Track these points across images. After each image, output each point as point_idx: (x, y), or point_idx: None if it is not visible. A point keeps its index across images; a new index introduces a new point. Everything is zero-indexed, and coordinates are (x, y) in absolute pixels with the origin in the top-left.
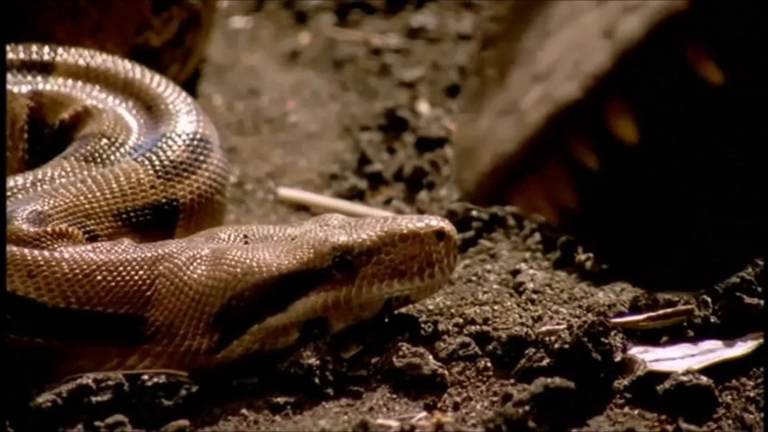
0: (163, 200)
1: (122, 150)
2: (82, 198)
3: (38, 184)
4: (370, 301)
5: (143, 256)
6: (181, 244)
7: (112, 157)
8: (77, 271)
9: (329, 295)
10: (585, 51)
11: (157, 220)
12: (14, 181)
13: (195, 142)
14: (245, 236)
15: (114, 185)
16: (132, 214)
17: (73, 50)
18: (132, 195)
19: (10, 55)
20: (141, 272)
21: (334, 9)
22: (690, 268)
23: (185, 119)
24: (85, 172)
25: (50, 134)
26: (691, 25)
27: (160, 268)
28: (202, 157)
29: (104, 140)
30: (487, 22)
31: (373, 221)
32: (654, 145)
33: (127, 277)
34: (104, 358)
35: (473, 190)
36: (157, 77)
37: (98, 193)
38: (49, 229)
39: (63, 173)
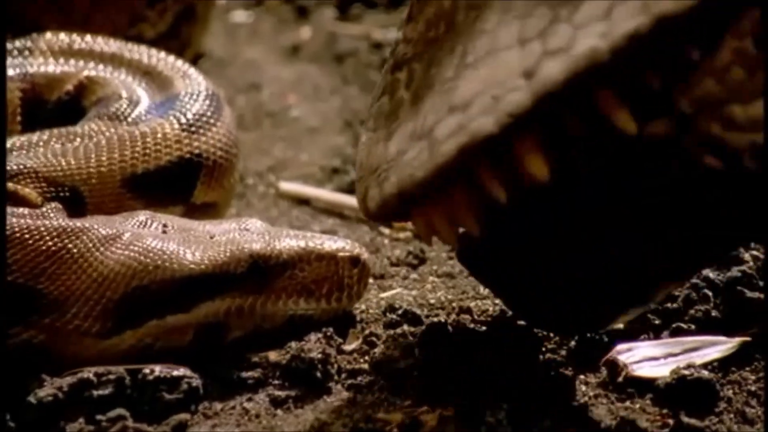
0: (188, 155)
1: (141, 109)
2: (92, 156)
3: (53, 141)
4: (275, 315)
5: (54, 225)
6: (100, 221)
7: (134, 115)
8: None
9: (235, 303)
10: (504, 88)
11: (177, 179)
12: (30, 137)
13: (210, 98)
14: (164, 225)
15: (138, 142)
16: (144, 176)
17: (49, 34)
18: (156, 154)
19: None
20: (41, 242)
21: (335, 3)
22: (570, 315)
23: (194, 78)
24: (112, 130)
25: (54, 108)
26: (610, 75)
27: (68, 241)
28: (218, 112)
29: (123, 100)
30: (398, 43)
31: (292, 234)
32: (564, 187)
33: (28, 245)
34: (9, 328)
35: (376, 208)
36: (143, 48)
37: (116, 154)
38: None
39: (91, 132)
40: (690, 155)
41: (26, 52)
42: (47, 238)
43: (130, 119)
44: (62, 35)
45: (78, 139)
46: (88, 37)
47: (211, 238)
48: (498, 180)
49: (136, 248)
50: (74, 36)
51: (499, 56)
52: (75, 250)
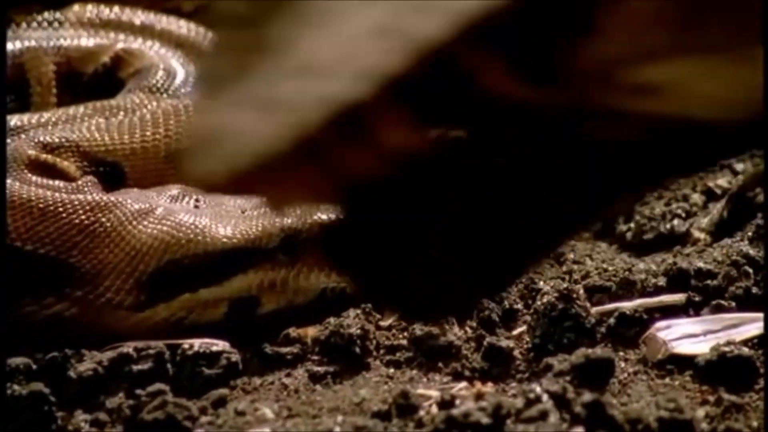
0: None
1: (180, 81)
2: (136, 131)
3: (96, 115)
4: (306, 288)
5: (87, 199)
6: (133, 195)
7: (174, 87)
8: (16, 204)
9: (267, 276)
10: (368, 50)
11: None
12: (74, 110)
13: None
14: (196, 200)
15: (182, 116)
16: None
17: (76, 6)
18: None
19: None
20: (74, 216)
21: None
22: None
23: None
24: (155, 103)
25: (91, 81)
26: (491, 35)
27: (101, 215)
28: None
29: (161, 72)
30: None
31: (322, 207)
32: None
33: (61, 218)
34: (41, 300)
35: (213, 179)
36: (171, 18)
37: (161, 128)
38: (34, 158)
39: (134, 105)
40: (573, 123)
41: (56, 24)
42: (80, 211)
43: (170, 91)
44: (89, 6)
45: (121, 113)
46: (116, 8)
47: (243, 212)
48: (370, 152)
49: (168, 222)
50: (102, 7)
51: (354, 14)
52: (108, 224)
